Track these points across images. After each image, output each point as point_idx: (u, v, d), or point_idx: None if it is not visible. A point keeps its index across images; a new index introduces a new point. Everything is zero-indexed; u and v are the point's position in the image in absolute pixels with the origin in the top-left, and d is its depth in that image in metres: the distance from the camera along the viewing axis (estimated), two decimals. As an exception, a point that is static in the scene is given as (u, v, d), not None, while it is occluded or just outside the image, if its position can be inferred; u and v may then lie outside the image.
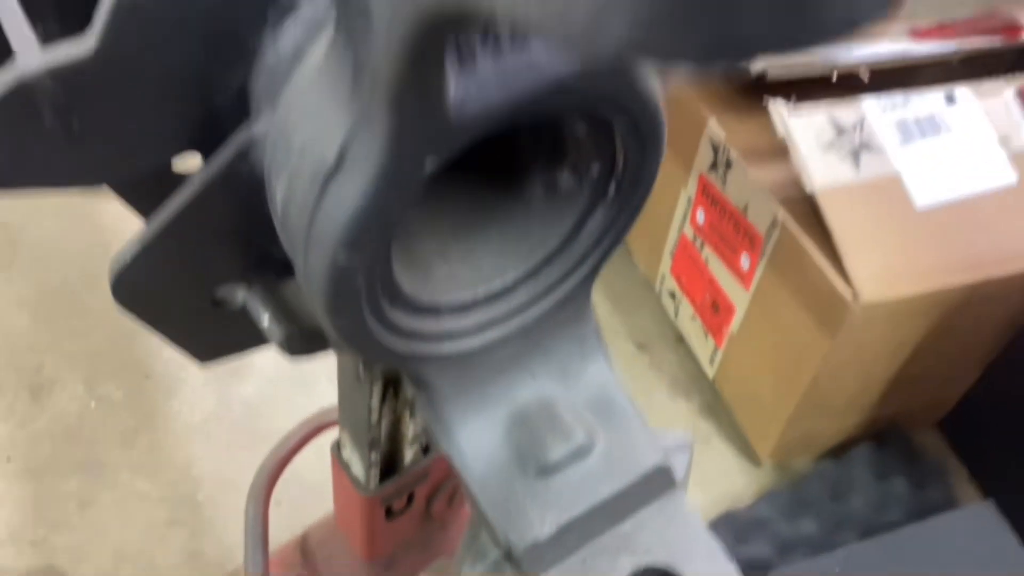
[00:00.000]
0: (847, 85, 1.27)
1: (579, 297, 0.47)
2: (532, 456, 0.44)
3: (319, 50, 0.36)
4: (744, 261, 1.36)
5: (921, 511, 1.38)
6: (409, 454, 0.71)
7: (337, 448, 0.73)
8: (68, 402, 1.49)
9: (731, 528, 1.39)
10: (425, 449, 0.71)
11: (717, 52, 0.18)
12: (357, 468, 0.71)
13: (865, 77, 1.27)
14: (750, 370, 1.45)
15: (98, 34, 0.36)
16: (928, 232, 1.18)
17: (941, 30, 1.38)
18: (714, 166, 1.39)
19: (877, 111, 1.21)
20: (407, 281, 0.41)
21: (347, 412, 0.67)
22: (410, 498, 0.76)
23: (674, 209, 1.55)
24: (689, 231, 1.52)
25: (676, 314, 1.65)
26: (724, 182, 1.37)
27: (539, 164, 0.44)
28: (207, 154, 0.44)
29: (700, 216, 1.47)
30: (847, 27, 0.18)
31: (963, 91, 1.25)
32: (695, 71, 0.18)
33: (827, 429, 1.45)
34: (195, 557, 1.34)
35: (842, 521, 1.39)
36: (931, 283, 1.16)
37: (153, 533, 1.35)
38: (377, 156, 0.32)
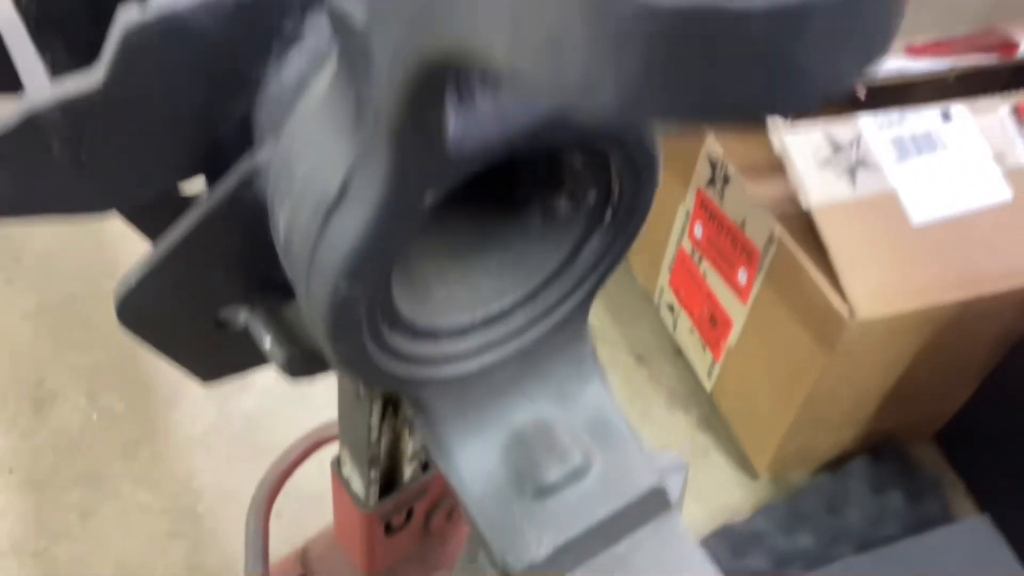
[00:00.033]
0: (843, 102, 1.28)
1: (576, 320, 0.48)
2: (529, 477, 0.45)
3: (322, 81, 0.37)
4: (742, 276, 1.36)
5: (917, 525, 1.38)
6: (408, 471, 0.71)
7: (337, 464, 0.74)
8: (70, 414, 1.49)
9: (728, 542, 1.39)
10: (424, 466, 0.72)
11: (702, 114, 0.18)
12: (357, 485, 0.71)
13: (862, 94, 1.28)
14: (747, 384, 1.46)
15: (105, 68, 0.37)
16: (924, 249, 1.19)
17: (937, 47, 1.39)
18: (712, 181, 1.40)
19: (874, 128, 1.22)
20: (407, 304, 0.41)
21: (347, 430, 0.68)
22: (409, 514, 0.77)
23: (672, 223, 1.56)
24: (687, 245, 1.53)
25: (675, 327, 1.66)
26: (722, 197, 1.38)
27: (537, 191, 0.45)
28: (212, 177, 0.45)
29: (698, 230, 1.48)
30: (825, 91, 0.19)
31: (959, 108, 1.25)
32: (684, 128, 0.19)
33: (824, 443, 1.46)
34: (196, 569, 1.34)
35: (839, 535, 1.39)
36: (926, 300, 1.17)
37: (154, 545, 1.36)
38: (379, 189, 0.32)
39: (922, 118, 1.24)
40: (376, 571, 0.81)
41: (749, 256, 1.33)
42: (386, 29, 0.27)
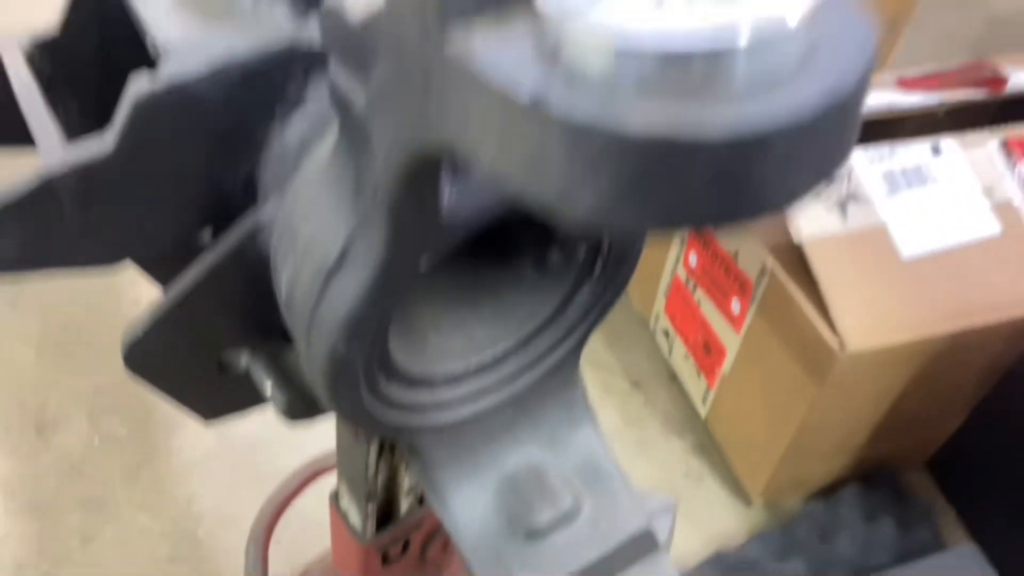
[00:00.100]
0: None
1: (567, 366, 0.50)
2: (521, 520, 0.46)
3: (324, 147, 0.39)
4: (735, 305, 1.38)
5: (909, 552, 1.39)
6: (405, 504, 0.73)
7: (335, 498, 0.75)
8: (72, 438, 1.50)
9: (722, 569, 1.40)
10: (420, 499, 0.74)
11: (669, 224, 0.20)
12: (355, 518, 0.73)
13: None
14: (741, 411, 1.47)
15: (117, 134, 0.38)
16: (914, 282, 1.20)
17: (927, 80, 1.41)
18: (707, 211, 1.41)
19: (864, 162, 1.24)
20: (402, 354, 0.43)
21: (345, 466, 0.70)
22: (406, 545, 0.78)
23: (667, 251, 1.57)
24: (682, 273, 1.54)
25: (670, 352, 1.67)
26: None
27: (529, 243, 0.47)
28: (218, 229, 0.47)
29: (692, 259, 1.49)
30: (788, 200, 0.21)
31: (949, 142, 1.27)
32: (657, 234, 0.21)
33: (817, 470, 1.47)
34: (195, 593, 1.36)
35: (831, 561, 1.40)
36: (916, 332, 1.18)
37: (155, 569, 1.37)
38: (377, 256, 0.34)
39: (912, 152, 1.25)
40: (373, 600, 0.82)
41: (742, 286, 1.34)
42: (383, 119, 0.29)
